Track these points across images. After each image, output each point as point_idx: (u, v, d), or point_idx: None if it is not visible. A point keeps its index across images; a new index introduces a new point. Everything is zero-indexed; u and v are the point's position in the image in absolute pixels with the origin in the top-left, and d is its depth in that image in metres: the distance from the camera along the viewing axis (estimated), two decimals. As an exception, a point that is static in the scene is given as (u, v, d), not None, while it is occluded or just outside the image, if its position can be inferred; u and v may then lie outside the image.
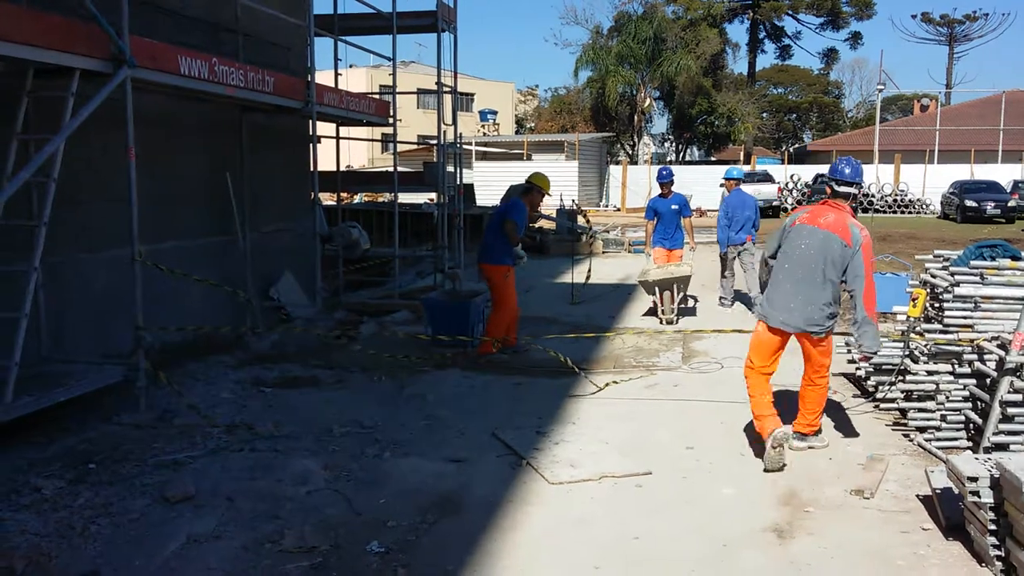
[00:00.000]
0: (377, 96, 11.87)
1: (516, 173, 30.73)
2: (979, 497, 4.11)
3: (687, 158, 54.85)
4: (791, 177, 35.51)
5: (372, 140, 12.72)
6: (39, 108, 6.35)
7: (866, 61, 76.94)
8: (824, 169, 34.26)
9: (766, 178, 33.57)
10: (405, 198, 23.54)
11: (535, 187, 8.99)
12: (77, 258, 7.31)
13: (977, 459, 4.34)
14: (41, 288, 6.71)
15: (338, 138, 11.70)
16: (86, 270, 7.39)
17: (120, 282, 7.07)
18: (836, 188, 5.86)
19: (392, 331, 9.61)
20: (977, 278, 6.04)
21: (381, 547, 4.42)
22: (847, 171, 5.83)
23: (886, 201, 33.19)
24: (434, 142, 12.92)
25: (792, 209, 33.12)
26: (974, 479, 4.13)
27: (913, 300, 6.52)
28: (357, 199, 27.62)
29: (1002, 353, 5.32)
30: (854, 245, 5.61)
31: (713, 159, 54.25)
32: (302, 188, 10.13)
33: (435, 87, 11.84)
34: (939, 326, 6.17)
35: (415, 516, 4.81)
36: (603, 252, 18.60)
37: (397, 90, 11.64)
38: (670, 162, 52.64)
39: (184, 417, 6.50)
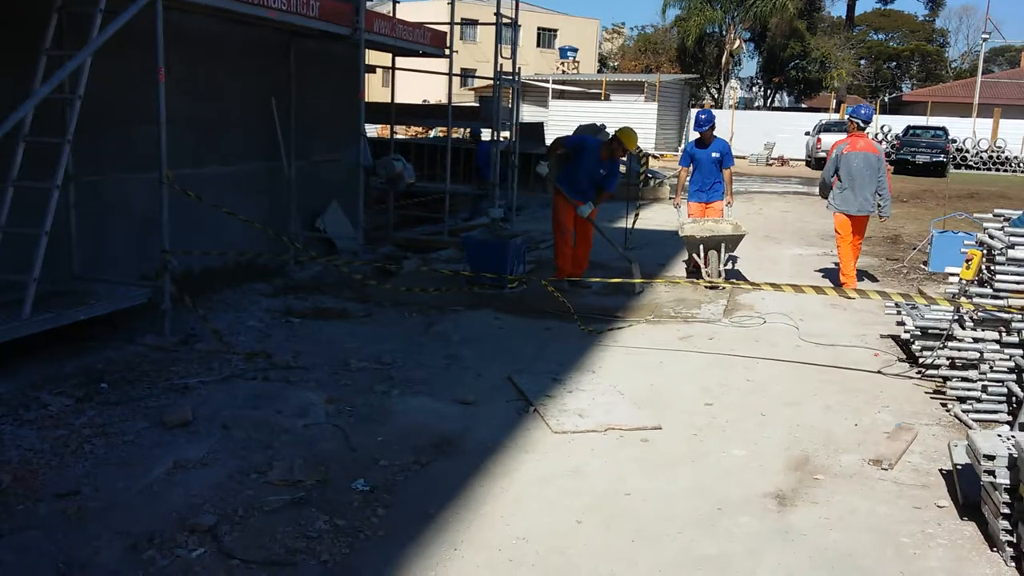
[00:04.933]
0: (435, 26, 11.57)
1: (592, 113, 30.24)
2: (994, 477, 3.81)
3: (775, 104, 52.98)
4: (881, 128, 33.90)
5: (452, 74, 12.02)
6: (71, 26, 6.32)
7: (975, 9, 72.30)
8: (917, 121, 32.74)
9: (854, 128, 32.14)
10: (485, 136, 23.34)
11: (617, 140, 8.94)
12: (117, 178, 7.34)
13: (999, 436, 4.01)
14: (74, 207, 6.79)
15: (393, 69, 11.51)
16: (125, 191, 7.41)
17: (159, 204, 7.08)
18: (860, 125, 9.43)
19: (433, 268, 9.52)
20: (1034, 241, 5.57)
21: (367, 485, 4.35)
22: (864, 113, 9.61)
23: (981, 157, 31.50)
24: (524, 80, 12.59)
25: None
26: (991, 457, 3.82)
27: (967, 261, 6.10)
28: (432, 133, 27.50)
29: (1051, 324, 4.92)
30: (880, 155, 9.30)
31: (803, 106, 52.25)
32: (353, 119, 10.00)
33: (519, 21, 11.47)
34: (990, 291, 5.74)
35: (409, 456, 4.72)
36: (668, 198, 18.10)
37: (481, 22, 11.16)
38: (758, 108, 50.95)
39: (207, 342, 6.53)
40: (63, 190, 6.27)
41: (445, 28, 11.40)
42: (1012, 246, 5.56)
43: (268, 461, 4.55)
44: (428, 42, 10.93)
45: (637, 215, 11.81)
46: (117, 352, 6.19)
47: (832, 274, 10.18)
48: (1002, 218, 6.22)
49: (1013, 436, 3.93)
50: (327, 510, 4.09)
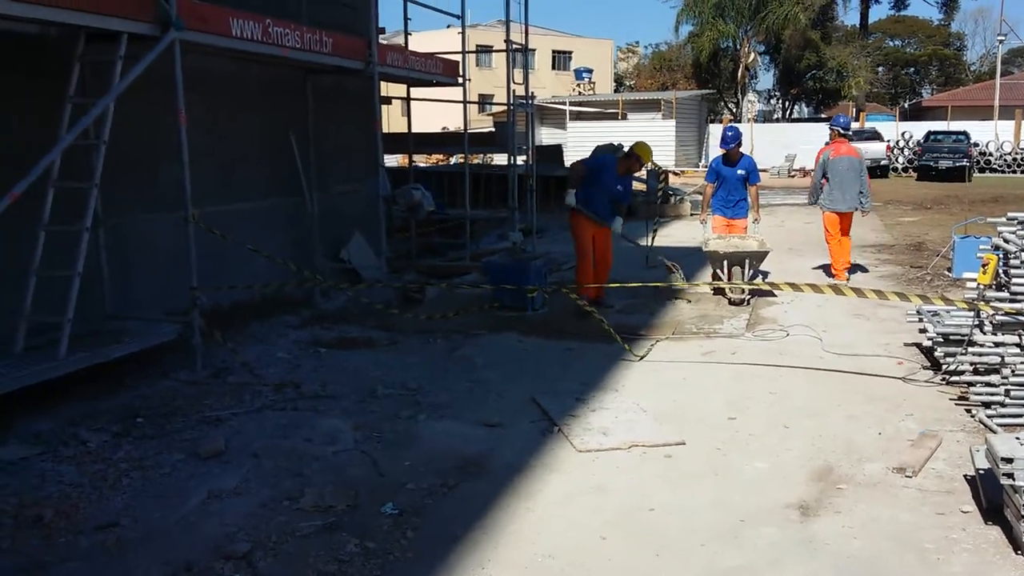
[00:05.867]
0: (447, 56, 11.79)
1: (610, 133, 30.34)
2: (1014, 480, 3.84)
3: (795, 115, 52.90)
4: (903, 135, 33.64)
5: (467, 102, 12.08)
6: (94, 73, 6.53)
7: (989, 11, 71.63)
8: (938, 126, 32.58)
9: (874, 136, 31.93)
10: (499, 160, 23.56)
11: (634, 154, 9.12)
12: (142, 219, 7.56)
13: (1018, 439, 4.05)
14: (104, 248, 6.99)
15: (409, 99, 11.72)
16: (151, 230, 7.62)
17: (185, 242, 7.26)
18: (842, 132, 10.78)
19: (456, 293, 9.63)
20: (1049, 244, 5.59)
21: (396, 509, 4.45)
22: (843, 121, 11.05)
23: (1005, 160, 31.25)
24: (541, 103, 12.80)
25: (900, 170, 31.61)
26: (1009, 460, 3.85)
27: (984, 266, 6.12)
28: (453, 161, 27.74)
29: (1069, 325, 4.94)
30: (862, 159, 10.59)
31: (823, 116, 52.07)
32: (371, 150, 10.20)
33: (532, 45, 11.71)
34: (1008, 294, 5.76)
35: (436, 479, 4.82)
36: (690, 214, 18.15)
37: (495, 48, 11.42)
38: (777, 120, 50.90)
39: (237, 375, 6.69)
40: (93, 232, 6.47)
41: (458, 57, 11.60)
42: (1027, 249, 5.59)
43: (299, 488, 4.66)
44: (441, 72, 11.13)
45: (656, 232, 11.86)
46: (151, 387, 6.35)
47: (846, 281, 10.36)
48: (1015, 221, 6.23)
49: (1032, 439, 3.96)
50: (358, 534, 4.18)
